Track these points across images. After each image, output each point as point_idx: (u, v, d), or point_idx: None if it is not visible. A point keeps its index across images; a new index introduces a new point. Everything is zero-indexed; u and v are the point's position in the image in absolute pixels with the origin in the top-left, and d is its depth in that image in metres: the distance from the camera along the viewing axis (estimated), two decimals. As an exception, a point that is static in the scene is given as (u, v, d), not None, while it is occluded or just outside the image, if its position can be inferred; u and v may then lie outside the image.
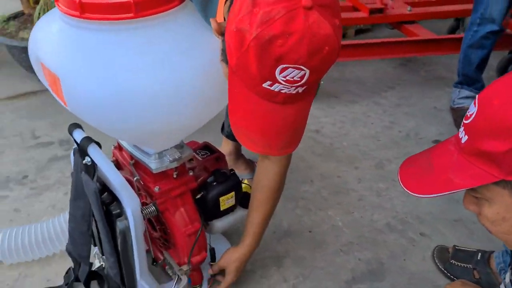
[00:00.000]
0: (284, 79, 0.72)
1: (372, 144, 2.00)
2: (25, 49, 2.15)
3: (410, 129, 2.10)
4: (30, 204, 1.65)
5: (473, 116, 0.73)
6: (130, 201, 1.04)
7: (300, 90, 0.76)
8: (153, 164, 1.07)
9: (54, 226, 1.38)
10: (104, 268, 1.36)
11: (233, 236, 1.52)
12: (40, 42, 0.90)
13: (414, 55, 2.47)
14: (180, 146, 1.12)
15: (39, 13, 2.14)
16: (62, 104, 0.90)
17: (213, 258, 1.37)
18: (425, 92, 2.39)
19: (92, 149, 1.02)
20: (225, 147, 1.71)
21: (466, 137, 0.74)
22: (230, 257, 1.31)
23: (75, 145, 1.11)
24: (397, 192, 1.73)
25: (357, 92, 2.40)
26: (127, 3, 0.78)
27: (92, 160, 1.03)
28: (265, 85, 0.73)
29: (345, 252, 1.49)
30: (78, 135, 1.05)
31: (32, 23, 2.28)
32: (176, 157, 1.09)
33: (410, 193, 0.80)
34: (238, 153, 1.75)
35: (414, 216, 1.63)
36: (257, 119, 0.79)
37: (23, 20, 2.33)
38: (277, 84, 0.73)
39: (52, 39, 0.88)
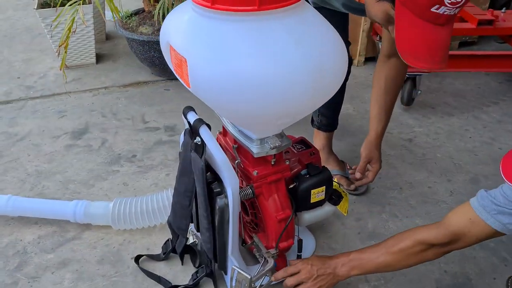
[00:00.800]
0: (449, 1, 0.93)
1: (468, 158, 1.94)
2: (142, 42, 2.40)
3: (512, 148, 2.00)
4: (136, 180, 1.84)
5: None
6: (230, 180, 1.15)
7: (456, 11, 0.96)
8: (255, 149, 1.16)
9: (157, 200, 1.53)
10: (197, 244, 1.49)
11: (317, 231, 1.57)
12: (172, 28, 1.04)
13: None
14: (280, 136, 1.20)
15: (159, 11, 2.36)
16: (185, 84, 1.02)
17: (299, 249, 1.42)
18: (533, 111, 2.25)
19: (203, 130, 1.14)
20: (316, 141, 1.78)
21: None
22: (371, 147, 1.58)
23: (187, 126, 1.24)
24: (492, 209, 1.66)
25: (455, 104, 2.33)
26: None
27: (202, 140, 1.15)
28: (433, 9, 0.94)
29: (430, 262, 1.46)
30: (192, 117, 1.18)
31: (151, 20, 2.52)
32: (277, 144, 1.17)
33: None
34: (329, 149, 1.80)
35: (509, 236, 1.55)
36: (424, 40, 0.99)
37: (143, 16, 2.58)
38: (443, 7, 0.93)
39: (183, 26, 1.00)
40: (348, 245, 1.53)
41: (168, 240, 1.49)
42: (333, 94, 1.05)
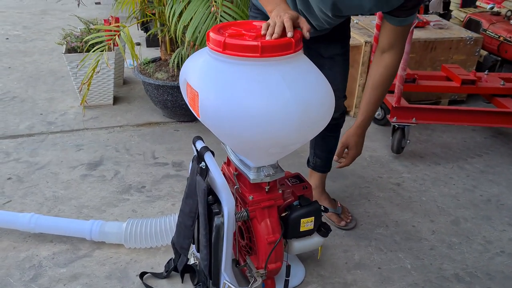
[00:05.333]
0: None
1: (450, 202, 2.10)
2: (157, 87, 2.65)
3: (492, 195, 2.16)
4: (145, 208, 2.01)
5: None
6: (227, 201, 1.32)
7: None
8: (252, 175, 1.34)
9: (166, 222, 1.70)
10: (197, 265, 1.64)
11: (307, 260, 1.71)
12: (190, 68, 1.26)
13: (501, 125, 2.52)
14: (275, 166, 1.38)
15: (174, 59, 2.63)
16: (195, 114, 1.22)
17: (287, 274, 1.56)
18: (514, 163, 2.43)
19: (207, 156, 1.33)
20: (311, 180, 1.95)
21: None
22: (349, 134, 1.65)
23: (195, 153, 1.44)
24: (470, 248, 1.80)
25: (442, 155, 2.51)
26: (256, 46, 1.10)
27: (206, 165, 1.34)
28: None
29: (409, 291, 1.60)
30: (199, 144, 1.38)
31: (166, 67, 2.79)
32: (270, 173, 1.35)
33: None
34: (322, 188, 1.97)
35: (484, 272, 1.69)
36: None
37: (160, 64, 2.85)
38: None
39: (198, 66, 1.22)
40: (336, 273, 1.66)
41: (170, 259, 1.64)
42: (319, 131, 1.25)
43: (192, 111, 1.25)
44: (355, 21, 3.20)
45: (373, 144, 2.61)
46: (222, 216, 1.35)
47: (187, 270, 1.62)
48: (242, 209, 1.43)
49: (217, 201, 1.39)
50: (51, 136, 2.64)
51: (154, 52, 3.18)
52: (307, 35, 1.20)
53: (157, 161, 2.40)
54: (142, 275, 1.61)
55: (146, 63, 2.85)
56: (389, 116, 2.40)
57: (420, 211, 2.03)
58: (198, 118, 1.22)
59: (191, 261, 1.65)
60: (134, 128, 2.76)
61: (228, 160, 1.50)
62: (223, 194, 1.31)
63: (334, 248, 1.79)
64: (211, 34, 1.19)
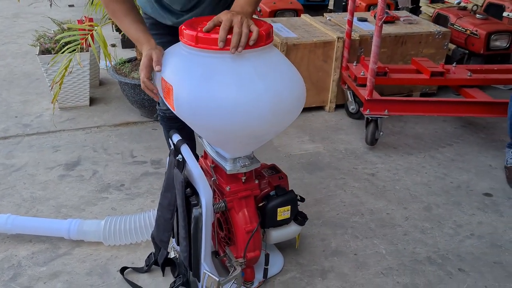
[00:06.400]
0: None
1: (423, 190, 2.17)
2: (134, 86, 2.65)
3: (462, 182, 2.25)
4: (124, 205, 2.02)
5: None
6: (205, 192, 1.35)
7: None
8: (228, 166, 1.38)
9: (144, 218, 1.72)
10: (177, 258, 1.66)
11: (286, 249, 1.76)
12: (164, 63, 1.28)
13: (469, 115, 2.61)
14: (250, 157, 1.42)
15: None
16: (170, 108, 1.25)
17: (266, 262, 1.60)
18: (482, 151, 2.52)
19: (183, 148, 1.36)
20: None
21: None
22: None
23: (172, 147, 1.46)
24: (441, 232, 1.88)
25: (415, 146, 2.59)
26: (228, 39, 1.13)
27: (183, 157, 1.36)
28: None
29: (385, 274, 1.66)
30: (175, 138, 1.41)
31: (142, 67, 2.79)
32: (246, 164, 1.39)
33: None
34: None
35: (455, 254, 1.76)
36: None
37: (135, 64, 2.85)
38: None
39: (173, 61, 1.25)
40: (314, 261, 1.71)
41: (151, 253, 1.66)
42: (291, 121, 1.29)
43: (167, 104, 1.27)
44: (327, 18, 3.27)
45: (348, 137, 2.68)
46: (200, 207, 1.38)
47: (168, 263, 1.64)
48: (220, 200, 1.46)
49: (194, 193, 1.42)
50: (27, 138, 2.62)
51: (130, 53, 3.19)
52: (157, 68, 1.25)
53: (136, 160, 2.41)
54: (122, 270, 1.63)
55: (122, 63, 2.85)
56: (362, 109, 2.46)
57: (394, 199, 2.10)
58: (173, 111, 1.25)
59: (171, 254, 1.67)
60: (112, 128, 2.76)
61: (205, 153, 1.53)
62: (200, 185, 1.34)
63: (312, 237, 1.84)
64: (184, 29, 1.22)
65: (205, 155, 1.55)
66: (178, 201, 1.43)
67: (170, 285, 1.56)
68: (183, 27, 1.24)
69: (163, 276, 1.62)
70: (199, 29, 1.23)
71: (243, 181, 1.44)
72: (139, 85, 2.68)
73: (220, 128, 1.18)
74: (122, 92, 2.86)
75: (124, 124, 2.82)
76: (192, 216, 1.38)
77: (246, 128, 1.19)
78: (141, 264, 1.68)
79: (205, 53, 1.18)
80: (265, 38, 1.21)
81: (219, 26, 1.17)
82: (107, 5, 1.42)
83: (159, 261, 1.62)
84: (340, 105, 3.02)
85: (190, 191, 1.41)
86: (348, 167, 2.37)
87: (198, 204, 1.39)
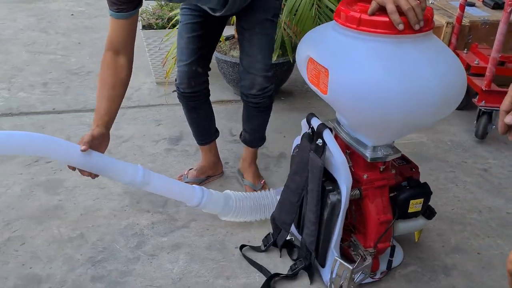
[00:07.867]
0: None
1: (545, 191, 2.03)
2: (232, 64, 2.65)
3: None
4: (231, 184, 2.04)
5: None
6: (346, 179, 1.32)
7: None
8: (369, 154, 1.33)
9: (263, 197, 1.72)
10: (293, 240, 1.66)
11: (403, 242, 1.70)
12: (313, 44, 1.25)
13: None
14: (391, 146, 1.37)
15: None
16: (318, 90, 1.22)
17: (391, 254, 1.55)
18: None
19: (326, 133, 1.33)
20: (243, 151, 2.03)
21: None
22: None
23: (304, 131, 1.44)
24: None
25: (529, 142, 2.43)
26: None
27: (323, 142, 1.33)
28: None
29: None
30: (315, 122, 1.38)
31: (242, 45, 2.78)
32: (387, 153, 1.34)
33: None
34: (251, 161, 2.02)
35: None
36: None
37: (234, 42, 2.85)
38: None
39: (327, 42, 1.21)
40: (434, 256, 1.65)
41: (268, 234, 1.66)
42: (452, 111, 1.22)
43: (313, 87, 1.24)
44: (431, 2, 3.09)
45: (452, 128, 2.55)
46: (338, 193, 1.35)
47: (285, 245, 1.64)
48: (355, 187, 1.42)
49: (328, 178, 1.39)
50: (129, 110, 2.70)
51: (228, 31, 3.17)
52: (82, 148, 1.30)
53: (235, 138, 2.42)
54: (241, 247, 1.64)
55: (221, 41, 2.85)
56: (475, 100, 2.32)
57: (513, 198, 1.98)
58: (321, 95, 1.21)
59: (287, 237, 1.67)
60: (208, 105, 2.78)
61: (336, 136, 1.50)
62: (342, 172, 1.31)
63: (428, 231, 1.77)
64: (343, 11, 1.17)
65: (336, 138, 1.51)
66: (310, 185, 1.41)
67: (291, 267, 1.56)
68: (341, 7, 1.19)
69: (280, 257, 1.63)
70: (358, 10, 1.18)
71: (381, 170, 1.40)
72: (238, 64, 2.68)
73: (381, 116, 1.13)
74: (220, 70, 2.87)
75: (219, 102, 2.84)
76: (329, 202, 1.36)
77: (409, 118, 1.13)
78: (256, 242, 1.68)
79: (366, 36, 1.13)
80: (430, 21, 1.14)
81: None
82: (101, 67, 1.49)
83: (278, 243, 1.62)
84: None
85: (324, 176, 1.38)
86: (457, 160, 2.25)
87: (335, 190, 1.36)
